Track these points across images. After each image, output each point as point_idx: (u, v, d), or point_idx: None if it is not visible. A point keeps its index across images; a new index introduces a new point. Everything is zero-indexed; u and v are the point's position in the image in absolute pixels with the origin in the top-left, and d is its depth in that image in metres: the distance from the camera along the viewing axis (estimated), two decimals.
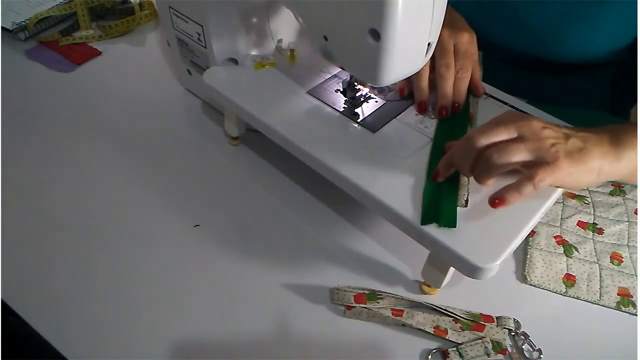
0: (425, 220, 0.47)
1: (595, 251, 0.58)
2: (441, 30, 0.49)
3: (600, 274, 0.56)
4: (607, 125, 0.49)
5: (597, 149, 0.46)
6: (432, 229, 0.46)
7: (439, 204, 0.48)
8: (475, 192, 0.49)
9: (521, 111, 0.57)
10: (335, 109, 0.58)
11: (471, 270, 0.45)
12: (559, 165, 0.44)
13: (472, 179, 0.48)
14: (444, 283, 0.52)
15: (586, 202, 0.63)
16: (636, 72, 0.57)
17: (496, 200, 0.45)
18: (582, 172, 0.45)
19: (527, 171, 0.45)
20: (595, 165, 0.45)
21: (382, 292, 0.54)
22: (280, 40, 0.65)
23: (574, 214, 0.61)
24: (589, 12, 0.59)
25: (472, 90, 0.59)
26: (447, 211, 0.47)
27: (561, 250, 0.58)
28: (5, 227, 0.59)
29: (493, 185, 0.47)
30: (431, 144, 0.54)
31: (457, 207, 0.48)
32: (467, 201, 0.48)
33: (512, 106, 0.59)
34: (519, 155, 0.45)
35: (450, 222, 0.46)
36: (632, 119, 0.74)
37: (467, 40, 0.58)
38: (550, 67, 0.68)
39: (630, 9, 0.58)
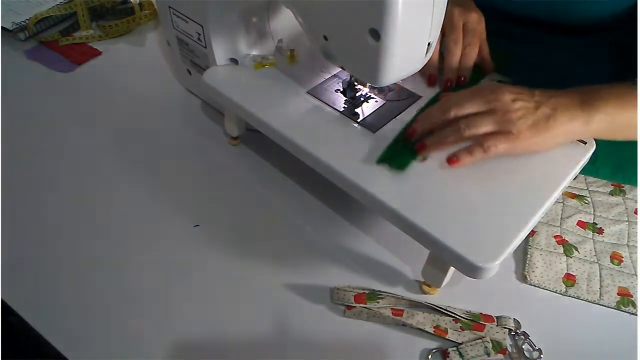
0: (380, 160, 0.51)
1: (595, 251, 0.58)
2: (451, 8, 0.54)
3: (600, 273, 0.56)
4: (582, 87, 0.52)
5: (566, 114, 0.50)
6: (433, 228, 0.46)
7: (400, 151, 0.52)
8: (472, 191, 0.49)
9: None
10: (335, 109, 0.58)
11: (471, 269, 0.45)
12: (521, 136, 0.49)
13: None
14: (444, 283, 0.52)
15: (586, 201, 0.63)
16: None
17: (452, 159, 0.51)
18: (549, 138, 0.50)
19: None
20: (563, 129, 0.50)
21: (382, 292, 0.54)
22: (280, 40, 0.65)
23: (574, 214, 0.61)
24: None
25: (481, 66, 0.62)
26: (402, 158, 0.52)
27: (561, 250, 0.58)
28: (5, 227, 0.59)
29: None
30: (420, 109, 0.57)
31: (415, 161, 0.52)
32: (425, 158, 0.52)
33: None
34: (485, 127, 0.50)
35: (400, 166, 0.51)
36: None
37: (476, 20, 0.60)
38: (558, 31, 0.67)
39: None
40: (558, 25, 0.63)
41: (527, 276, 0.56)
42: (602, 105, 0.50)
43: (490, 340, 0.50)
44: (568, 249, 0.58)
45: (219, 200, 0.63)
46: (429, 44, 0.48)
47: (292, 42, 0.64)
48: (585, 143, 0.54)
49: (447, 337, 0.51)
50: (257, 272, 0.56)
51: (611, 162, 0.66)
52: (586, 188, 0.64)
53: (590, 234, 0.60)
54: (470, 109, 0.51)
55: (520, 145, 0.50)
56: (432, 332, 0.51)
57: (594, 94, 0.51)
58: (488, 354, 0.49)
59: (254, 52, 0.64)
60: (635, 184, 0.64)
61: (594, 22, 0.61)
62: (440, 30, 0.49)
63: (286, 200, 0.63)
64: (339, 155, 0.52)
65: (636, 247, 0.58)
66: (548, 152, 0.52)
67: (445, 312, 0.52)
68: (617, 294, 0.54)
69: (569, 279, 0.55)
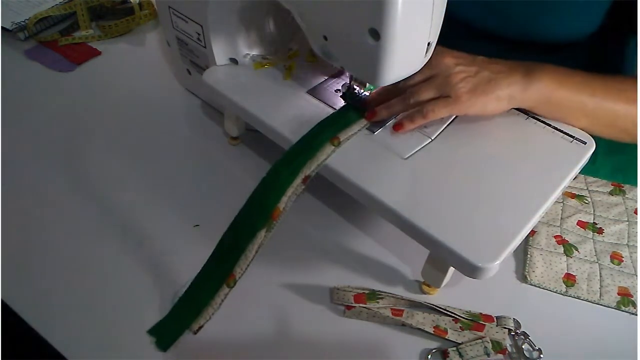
0: (151, 331, 0.50)
1: (595, 251, 0.58)
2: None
3: (600, 273, 0.56)
4: (527, 62, 0.54)
5: (506, 80, 0.51)
6: (432, 228, 0.46)
7: (174, 320, 0.50)
8: (472, 191, 0.49)
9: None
10: (335, 109, 0.58)
11: (471, 270, 0.45)
12: (458, 99, 0.51)
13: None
14: (444, 283, 0.52)
15: (586, 201, 0.63)
16: (611, 53, 0.59)
17: (395, 126, 0.54)
18: (488, 102, 0.52)
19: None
20: (503, 93, 0.52)
21: (382, 292, 0.54)
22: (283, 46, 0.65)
23: (574, 214, 0.61)
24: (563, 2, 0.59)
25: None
26: (170, 333, 0.50)
27: (561, 250, 0.58)
28: (5, 227, 0.59)
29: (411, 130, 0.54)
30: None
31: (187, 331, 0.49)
32: (200, 328, 0.49)
33: None
34: (427, 93, 0.52)
35: (163, 347, 0.49)
36: None
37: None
38: (530, 48, 0.68)
39: None
40: (532, 44, 0.63)
41: (528, 276, 0.56)
42: (543, 77, 0.52)
43: (490, 340, 0.50)
44: (568, 248, 0.58)
45: (218, 201, 0.63)
46: (428, 43, 0.48)
47: (291, 42, 0.64)
48: (585, 143, 0.54)
49: (446, 337, 0.51)
50: (257, 272, 0.56)
51: (611, 162, 0.66)
52: (586, 188, 0.64)
53: (590, 233, 0.60)
54: (416, 78, 0.53)
55: (459, 108, 0.52)
56: (432, 332, 0.51)
57: (538, 66, 0.53)
58: (488, 354, 0.49)
59: (254, 52, 0.64)
60: (635, 184, 0.64)
61: (565, 40, 0.62)
62: (439, 30, 0.49)
63: None
64: (339, 156, 0.52)
65: (636, 247, 0.58)
66: (545, 148, 0.53)
67: (445, 312, 0.52)
68: (617, 293, 0.54)
69: (569, 279, 0.55)
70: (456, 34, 0.58)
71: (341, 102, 0.58)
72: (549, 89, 0.52)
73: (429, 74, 0.53)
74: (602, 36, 0.61)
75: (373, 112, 0.55)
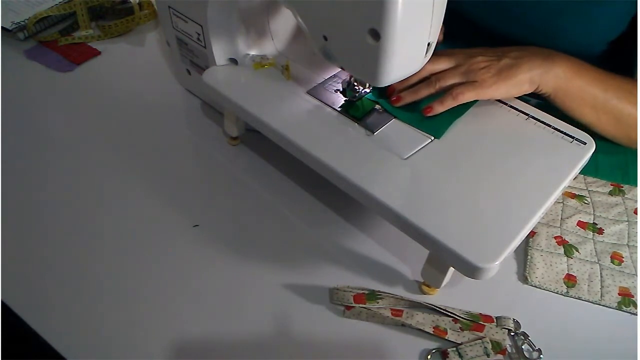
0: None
1: (596, 251, 0.58)
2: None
3: (601, 274, 0.56)
4: (546, 48, 0.57)
5: (527, 64, 0.55)
6: (432, 229, 0.46)
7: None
8: (472, 191, 0.49)
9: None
10: (334, 109, 0.58)
11: (471, 270, 0.44)
12: (485, 84, 0.54)
13: None
14: (444, 283, 0.52)
15: (586, 202, 0.63)
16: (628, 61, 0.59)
17: (426, 109, 0.55)
18: (511, 86, 0.55)
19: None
20: (524, 77, 0.55)
21: (381, 292, 0.54)
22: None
23: (573, 214, 0.61)
24: (588, 4, 0.59)
25: None
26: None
27: (561, 250, 0.58)
28: (5, 227, 0.59)
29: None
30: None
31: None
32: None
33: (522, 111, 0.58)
34: (452, 79, 0.56)
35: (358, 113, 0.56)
36: None
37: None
38: None
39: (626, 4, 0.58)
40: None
41: (528, 277, 0.56)
42: (562, 64, 0.55)
43: (490, 340, 0.50)
44: (568, 249, 0.58)
45: (218, 201, 0.63)
46: (428, 44, 0.48)
47: (291, 42, 0.64)
48: (585, 143, 0.54)
49: (446, 338, 0.51)
50: (257, 272, 0.56)
51: (611, 162, 0.66)
52: (585, 188, 0.64)
53: (590, 234, 0.60)
54: (440, 65, 0.57)
55: (485, 92, 0.55)
56: (432, 333, 0.51)
57: (557, 54, 0.56)
58: (487, 355, 0.49)
59: (254, 52, 0.64)
60: (635, 184, 0.64)
61: (580, 46, 0.62)
62: (439, 29, 0.49)
63: (286, 201, 0.63)
64: (338, 156, 0.52)
65: (636, 247, 0.58)
66: (545, 148, 0.54)
67: (445, 312, 0.52)
68: (618, 294, 0.54)
69: (570, 280, 0.55)
70: (465, 36, 0.58)
71: (341, 102, 0.58)
72: (566, 76, 0.55)
73: (452, 63, 0.56)
74: (617, 47, 0.61)
75: (398, 97, 0.57)
